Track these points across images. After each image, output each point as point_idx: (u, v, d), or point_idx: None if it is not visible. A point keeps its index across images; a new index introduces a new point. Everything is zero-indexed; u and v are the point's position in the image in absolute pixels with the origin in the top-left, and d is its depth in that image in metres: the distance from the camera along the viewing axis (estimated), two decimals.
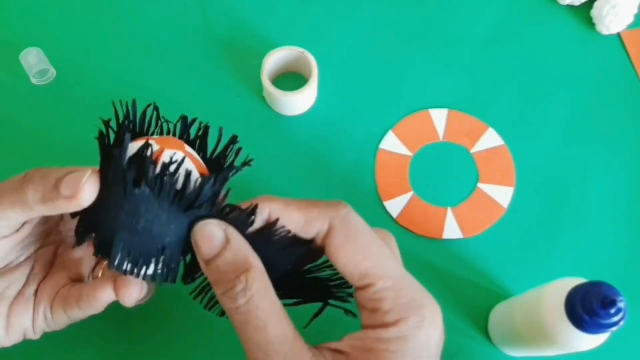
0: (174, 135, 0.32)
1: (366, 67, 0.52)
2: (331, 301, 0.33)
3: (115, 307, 0.33)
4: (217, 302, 0.31)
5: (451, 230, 0.46)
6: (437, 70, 0.52)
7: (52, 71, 0.51)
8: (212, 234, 0.29)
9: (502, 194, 0.48)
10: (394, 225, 0.46)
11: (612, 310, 0.30)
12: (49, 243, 0.36)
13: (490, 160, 0.49)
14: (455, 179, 0.48)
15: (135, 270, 0.30)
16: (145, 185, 0.28)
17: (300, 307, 0.33)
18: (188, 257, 0.31)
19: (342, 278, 0.32)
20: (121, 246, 0.29)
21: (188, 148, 0.31)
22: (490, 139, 0.49)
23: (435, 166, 0.49)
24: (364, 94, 0.51)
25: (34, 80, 0.51)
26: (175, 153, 0.29)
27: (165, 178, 0.28)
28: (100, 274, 0.34)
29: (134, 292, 0.31)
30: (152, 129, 0.32)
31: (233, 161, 0.31)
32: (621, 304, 0.30)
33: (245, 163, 0.30)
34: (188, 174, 0.28)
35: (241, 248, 0.29)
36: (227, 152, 0.32)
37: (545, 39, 0.54)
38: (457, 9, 0.55)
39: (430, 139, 0.50)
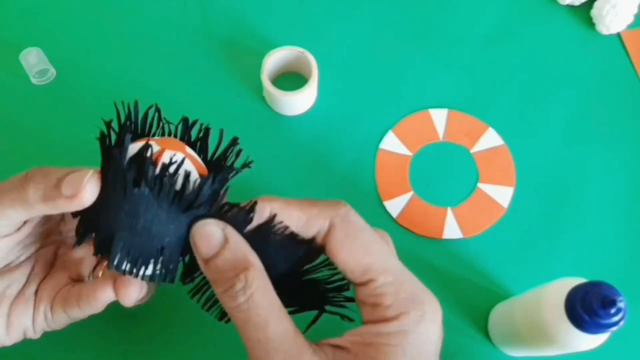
0: (175, 136, 0.32)
1: (366, 67, 0.52)
2: (328, 307, 0.33)
3: (115, 307, 0.33)
4: (215, 302, 0.31)
5: (451, 230, 0.46)
6: (437, 70, 0.52)
7: (52, 71, 0.51)
8: (210, 234, 0.29)
9: (502, 194, 0.48)
10: (394, 225, 0.46)
11: (612, 310, 0.30)
12: (49, 243, 0.36)
13: (490, 160, 0.49)
14: (455, 179, 0.48)
15: (135, 271, 0.30)
16: (144, 186, 0.28)
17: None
18: (187, 258, 0.32)
19: (339, 279, 0.32)
20: (121, 246, 0.29)
21: (189, 149, 0.31)
22: (490, 139, 0.49)
23: (435, 166, 0.49)
24: (364, 94, 0.51)
25: (34, 80, 0.51)
26: (175, 154, 0.29)
27: (164, 179, 0.28)
28: (100, 274, 0.35)
29: (133, 292, 0.31)
30: (153, 130, 0.32)
31: (233, 162, 0.31)
32: (621, 304, 0.30)
33: (245, 165, 0.30)
34: (187, 175, 0.29)
35: (240, 247, 0.29)
36: (228, 154, 0.32)
37: (545, 39, 0.54)
38: (457, 9, 0.55)
39: (430, 139, 0.50)
